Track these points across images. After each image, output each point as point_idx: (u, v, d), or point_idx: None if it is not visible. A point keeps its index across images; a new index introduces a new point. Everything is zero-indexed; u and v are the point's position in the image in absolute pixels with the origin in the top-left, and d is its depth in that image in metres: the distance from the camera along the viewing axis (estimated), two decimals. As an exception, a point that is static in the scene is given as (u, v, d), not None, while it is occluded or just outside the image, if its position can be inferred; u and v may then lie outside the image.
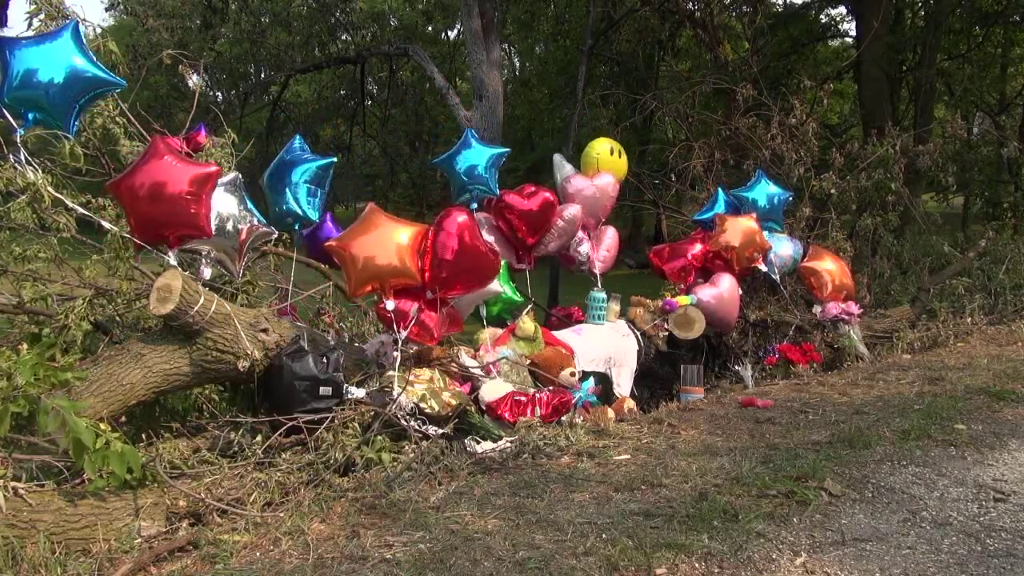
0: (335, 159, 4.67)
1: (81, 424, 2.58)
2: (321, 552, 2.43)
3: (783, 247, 6.17)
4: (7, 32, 3.72)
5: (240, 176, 4.16)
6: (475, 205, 5.19)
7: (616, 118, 12.47)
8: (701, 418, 4.03)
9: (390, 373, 3.76)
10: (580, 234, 5.61)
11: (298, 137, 4.84)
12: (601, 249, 5.78)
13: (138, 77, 7.75)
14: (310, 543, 2.50)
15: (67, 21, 4.27)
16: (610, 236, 5.88)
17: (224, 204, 3.89)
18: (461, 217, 4.18)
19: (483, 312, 4.71)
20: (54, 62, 3.49)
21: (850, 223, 7.76)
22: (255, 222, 4.06)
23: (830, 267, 6.09)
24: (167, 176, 3.58)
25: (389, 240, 4.05)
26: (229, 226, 3.89)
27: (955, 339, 5.97)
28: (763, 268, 6.02)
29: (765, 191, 6.20)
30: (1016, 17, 15.24)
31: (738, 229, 5.82)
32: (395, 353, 3.88)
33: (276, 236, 4.33)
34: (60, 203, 3.79)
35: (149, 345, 3.45)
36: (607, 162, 5.70)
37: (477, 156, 5.22)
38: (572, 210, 5.41)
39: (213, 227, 3.77)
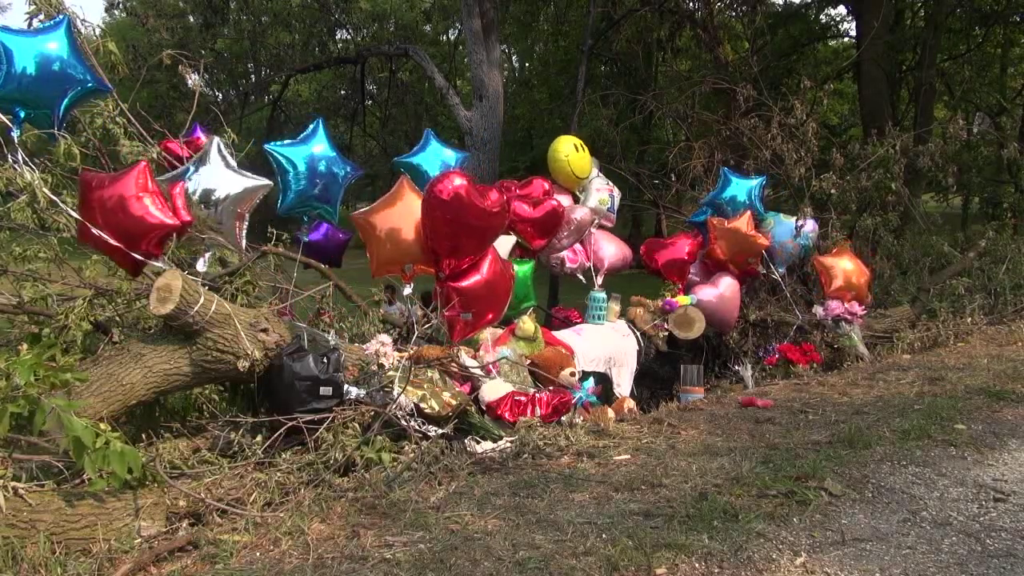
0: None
1: (79, 424, 2.57)
2: (321, 552, 2.43)
3: (789, 229, 6.12)
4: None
5: (218, 140, 4.07)
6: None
7: (616, 118, 12.45)
8: (701, 418, 4.02)
9: (390, 373, 3.76)
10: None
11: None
12: (603, 253, 5.81)
13: (138, 77, 7.76)
14: (310, 543, 2.50)
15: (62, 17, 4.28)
16: (618, 251, 5.94)
17: (212, 175, 3.85)
18: (456, 180, 4.09)
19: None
20: (35, 53, 3.55)
21: (850, 223, 7.75)
22: (248, 184, 3.96)
23: (847, 266, 6.07)
24: (104, 197, 3.57)
25: (413, 215, 4.12)
26: (217, 194, 3.82)
27: (955, 339, 5.97)
28: (762, 271, 6.01)
29: (744, 187, 6.17)
30: (1016, 17, 15.24)
31: (728, 236, 5.83)
32: (394, 353, 3.89)
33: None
34: (56, 204, 3.79)
35: (149, 345, 3.44)
36: (577, 160, 5.68)
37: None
38: (581, 212, 5.44)
39: (196, 205, 3.76)
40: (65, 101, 3.67)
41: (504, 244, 4.93)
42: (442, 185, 4.07)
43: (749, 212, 5.95)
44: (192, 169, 3.90)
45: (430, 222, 4.16)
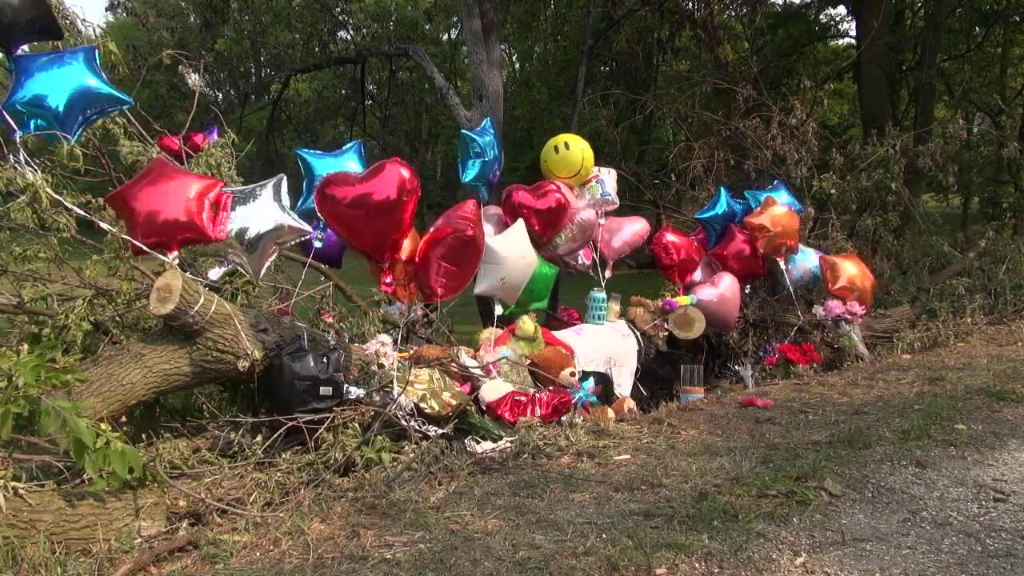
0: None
1: (81, 424, 2.58)
2: (321, 552, 2.43)
3: (808, 259, 6.19)
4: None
5: (283, 177, 4.10)
6: (484, 188, 5.15)
7: (616, 118, 12.45)
8: (701, 418, 4.03)
9: (390, 373, 3.77)
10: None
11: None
12: (616, 239, 5.73)
13: (138, 77, 7.75)
14: (310, 543, 2.50)
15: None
16: (632, 228, 5.82)
17: (257, 208, 3.87)
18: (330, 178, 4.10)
19: (499, 310, 4.72)
20: (65, 86, 3.62)
21: (850, 223, 7.76)
22: (289, 223, 3.97)
23: (851, 270, 6.09)
24: (171, 189, 3.60)
25: None
26: (254, 231, 3.86)
27: (955, 339, 5.98)
28: (781, 265, 6.02)
29: (781, 199, 6.20)
30: (1016, 17, 15.24)
31: (778, 216, 5.88)
32: (394, 353, 3.89)
33: (309, 232, 4.17)
34: (58, 204, 3.79)
35: (149, 345, 3.44)
36: (554, 162, 5.45)
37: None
38: (586, 214, 5.40)
39: (232, 232, 3.78)
40: (82, 120, 3.73)
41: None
42: (317, 186, 4.05)
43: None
44: (241, 200, 3.90)
45: (332, 223, 4.17)
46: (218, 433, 3.52)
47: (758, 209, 5.97)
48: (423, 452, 3.30)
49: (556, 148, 5.49)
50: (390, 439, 3.45)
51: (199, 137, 5.03)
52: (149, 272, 4.09)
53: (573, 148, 5.48)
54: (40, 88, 3.56)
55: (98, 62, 3.79)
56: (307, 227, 4.09)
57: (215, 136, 5.03)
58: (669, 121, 12.32)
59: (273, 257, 4.03)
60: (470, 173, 5.03)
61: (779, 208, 5.96)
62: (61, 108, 3.58)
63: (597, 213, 5.57)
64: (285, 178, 4.12)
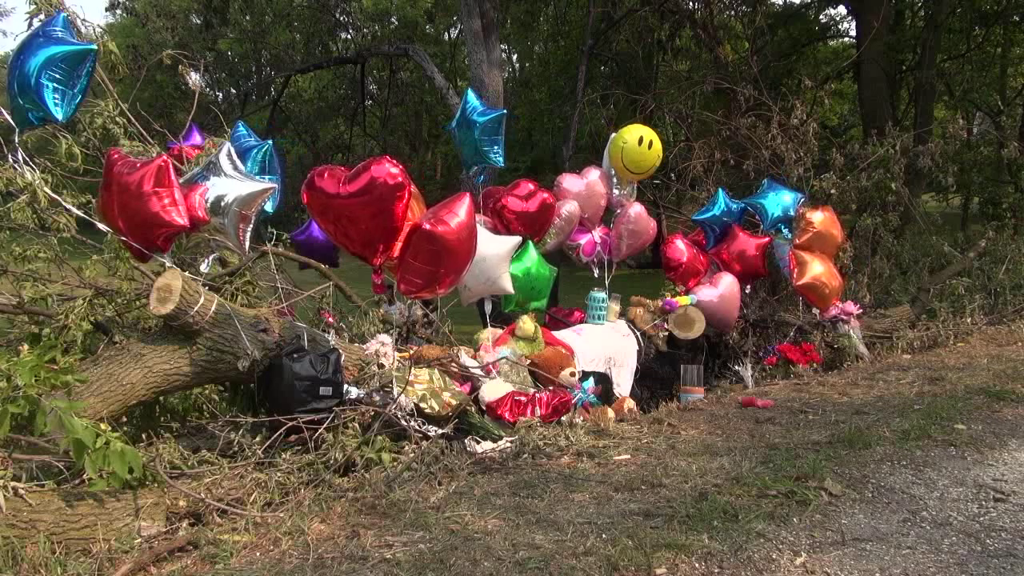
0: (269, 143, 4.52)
1: (80, 425, 2.58)
2: (321, 552, 2.43)
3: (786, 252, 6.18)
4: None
5: (228, 145, 4.01)
6: (482, 178, 5.05)
7: (616, 118, 12.45)
8: (701, 418, 4.03)
9: (390, 373, 3.76)
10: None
11: (240, 124, 4.82)
12: (623, 230, 5.65)
13: (139, 77, 7.76)
14: (310, 543, 2.50)
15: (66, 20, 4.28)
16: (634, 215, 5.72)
17: (222, 182, 3.76)
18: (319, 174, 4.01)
19: (488, 307, 4.71)
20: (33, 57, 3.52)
21: (850, 223, 7.76)
22: (254, 187, 3.83)
23: (819, 271, 6.02)
24: (125, 184, 3.48)
25: None
26: (226, 200, 3.73)
27: (955, 339, 5.98)
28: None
29: (779, 200, 6.13)
30: (1016, 17, 15.23)
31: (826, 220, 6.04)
32: (394, 353, 3.89)
33: (275, 187, 4.07)
34: (57, 204, 3.79)
35: (149, 345, 3.45)
36: (632, 152, 5.32)
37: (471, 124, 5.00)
38: (569, 207, 5.40)
39: (207, 209, 3.69)
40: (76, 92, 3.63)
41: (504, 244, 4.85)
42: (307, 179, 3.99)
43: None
44: (204, 176, 3.83)
45: (320, 222, 4.12)
46: (218, 433, 3.52)
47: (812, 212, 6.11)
48: (423, 452, 3.30)
49: (641, 140, 5.34)
50: (390, 439, 3.45)
51: (196, 139, 5.03)
52: (149, 272, 4.10)
53: (655, 149, 5.40)
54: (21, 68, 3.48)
55: (67, 26, 3.71)
56: (270, 184, 3.96)
57: (195, 138, 5.01)
58: (669, 121, 12.30)
59: (251, 226, 3.92)
60: (466, 162, 5.02)
61: (823, 212, 6.12)
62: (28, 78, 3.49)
63: (619, 208, 5.60)
64: (229, 144, 4.03)
